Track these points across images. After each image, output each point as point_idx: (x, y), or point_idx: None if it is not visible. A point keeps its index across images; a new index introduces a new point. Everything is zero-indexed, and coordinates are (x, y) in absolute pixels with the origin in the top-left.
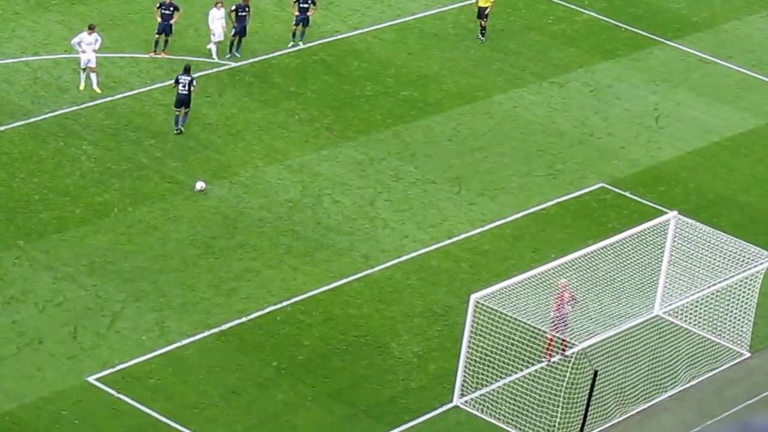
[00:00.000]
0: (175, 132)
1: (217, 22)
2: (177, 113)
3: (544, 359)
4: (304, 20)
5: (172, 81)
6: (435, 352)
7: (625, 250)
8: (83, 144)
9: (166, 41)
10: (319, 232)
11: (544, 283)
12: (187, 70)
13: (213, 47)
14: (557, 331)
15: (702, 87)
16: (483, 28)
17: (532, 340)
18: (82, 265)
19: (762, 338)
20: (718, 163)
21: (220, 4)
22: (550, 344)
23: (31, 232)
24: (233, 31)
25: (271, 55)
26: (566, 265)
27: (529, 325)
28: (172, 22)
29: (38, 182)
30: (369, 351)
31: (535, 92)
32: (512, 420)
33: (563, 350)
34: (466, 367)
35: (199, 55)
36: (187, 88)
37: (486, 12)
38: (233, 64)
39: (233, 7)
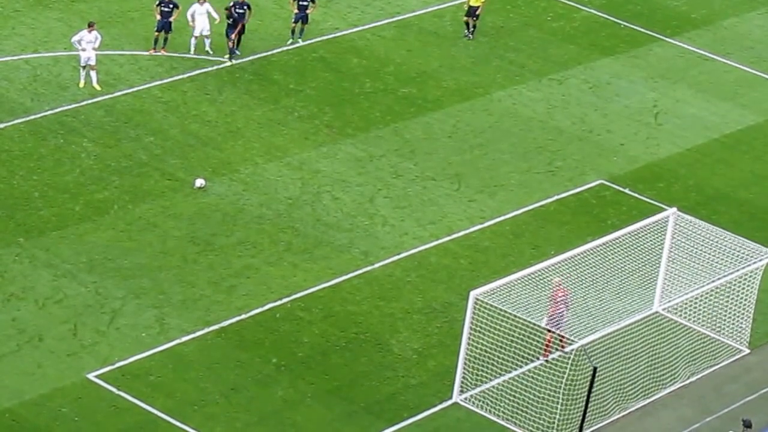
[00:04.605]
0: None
1: (199, 17)
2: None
3: (540, 357)
4: (303, 18)
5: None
6: (434, 349)
7: (625, 246)
8: (83, 141)
9: (166, 39)
10: (319, 229)
11: (544, 280)
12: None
13: (193, 41)
14: (553, 329)
15: (701, 84)
16: (473, 26)
17: (532, 336)
18: (82, 262)
19: (761, 335)
20: (717, 160)
21: (203, 0)
22: (548, 343)
23: (31, 229)
24: (228, 29)
25: (270, 53)
26: (565, 262)
27: (529, 322)
28: (171, 19)
29: (38, 179)
30: (368, 348)
31: (534, 89)
32: (512, 417)
33: (562, 347)
34: (465, 363)
35: (199, 53)
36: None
37: (477, 12)
38: (233, 62)
39: (230, 4)
